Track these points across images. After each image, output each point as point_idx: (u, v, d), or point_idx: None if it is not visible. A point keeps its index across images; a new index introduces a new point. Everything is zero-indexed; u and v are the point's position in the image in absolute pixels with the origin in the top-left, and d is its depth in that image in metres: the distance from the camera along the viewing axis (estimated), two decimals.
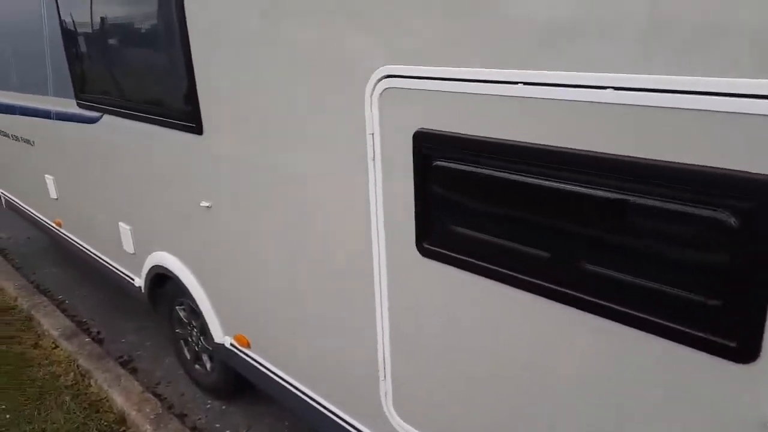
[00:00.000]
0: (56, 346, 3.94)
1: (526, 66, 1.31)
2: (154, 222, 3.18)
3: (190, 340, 3.36)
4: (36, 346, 4.00)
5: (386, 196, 1.75)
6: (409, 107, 1.59)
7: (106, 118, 3.22)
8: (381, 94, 1.65)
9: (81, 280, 4.91)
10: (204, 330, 3.05)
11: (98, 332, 4.18)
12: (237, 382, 3.11)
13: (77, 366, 3.66)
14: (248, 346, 2.72)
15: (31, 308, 4.41)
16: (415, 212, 1.66)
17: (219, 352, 2.98)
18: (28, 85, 4.09)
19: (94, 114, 3.31)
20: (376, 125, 1.70)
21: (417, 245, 1.69)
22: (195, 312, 3.11)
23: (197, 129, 2.49)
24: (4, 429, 3.15)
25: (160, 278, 3.30)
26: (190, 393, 3.43)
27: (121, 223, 3.51)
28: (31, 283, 4.91)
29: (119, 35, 2.91)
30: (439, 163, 1.56)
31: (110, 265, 3.91)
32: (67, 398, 3.37)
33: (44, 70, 3.73)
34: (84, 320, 4.35)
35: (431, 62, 1.50)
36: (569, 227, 1.34)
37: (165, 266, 3.15)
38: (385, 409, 2.02)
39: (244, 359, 2.78)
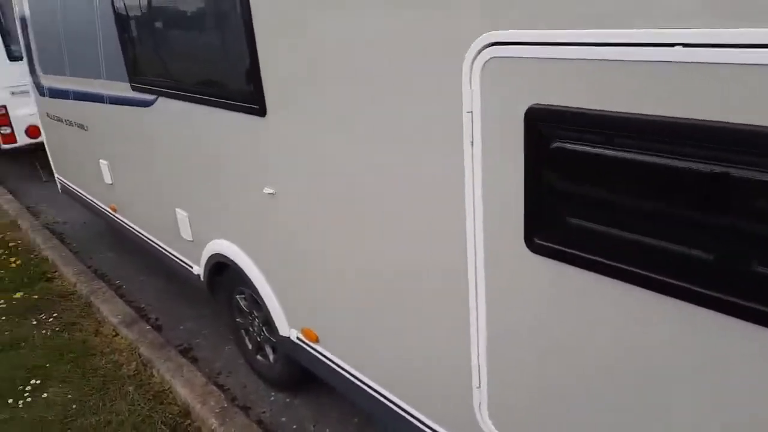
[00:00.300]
0: (116, 334, 3.90)
1: (686, 23, 1.05)
2: (213, 209, 3.05)
3: (251, 330, 3.24)
4: (97, 333, 3.98)
5: (487, 184, 1.52)
6: (521, 79, 1.35)
7: (161, 101, 3.08)
8: (484, 65, 1.41)
9: (137, 265, 4.89)
10: (267, 321, 2.91)
11: (156, 319, 4.14)
12: (302, 374, 2.97)
13: (139, 355, 3.61)
14: (316, 341, 2.57)
15: (90, 294, 4.40)
16: (525, 203, 1.43)
17: (284, 345, 2.84)
18: (81, 69, 4.00)
19: (149, 97, 3.19)
20: (476, 102, 1.47)
21: (526, 240, 1.47)
22: (257, 302, 2.98)
23: (260, 110, 2.31)
24: (71, 419, 3.12)
25: (220, 266, 3.18)
26: (252, 384, 3.32)
27: (178, 210, 3.40)
28: (89, 268, 4.92)
29: (174, 13, 2.75)
30: (558, 144, 1.32)
31: (167, 251, 3.82)
32: (131, 389, 3.32)
33: (96, 53, 3.62)
34: (142, 306, 4.32)
35: (550, 24, 1.26)
36: (734, 222, 1.09)
37: (225, 255, 3.02)
38: (478, 418, 1.82)
39: (312, 354, 2.63)
